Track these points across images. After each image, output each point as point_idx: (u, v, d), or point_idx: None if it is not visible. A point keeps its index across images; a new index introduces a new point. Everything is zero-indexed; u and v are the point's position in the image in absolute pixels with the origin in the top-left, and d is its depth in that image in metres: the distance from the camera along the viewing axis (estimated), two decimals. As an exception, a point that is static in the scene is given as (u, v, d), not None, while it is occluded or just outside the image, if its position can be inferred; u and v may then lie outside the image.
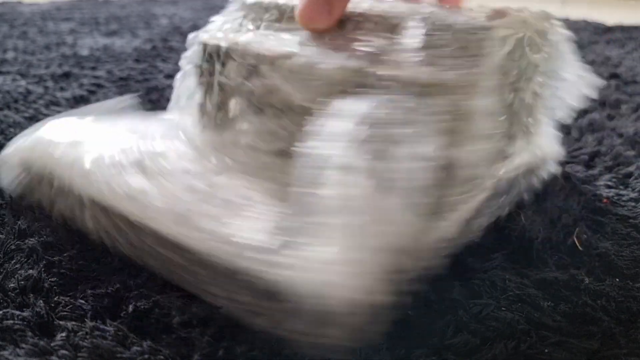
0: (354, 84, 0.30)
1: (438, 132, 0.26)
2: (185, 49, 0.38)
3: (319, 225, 0.24)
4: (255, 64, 0.33)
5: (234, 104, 0.35)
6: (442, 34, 0.30)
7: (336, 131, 0.26)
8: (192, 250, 0.25)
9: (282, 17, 0.36)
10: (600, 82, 0.39)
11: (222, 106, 0.36)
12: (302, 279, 0.23)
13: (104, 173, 0.31)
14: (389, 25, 0.32)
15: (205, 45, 0.36)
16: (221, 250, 0.25)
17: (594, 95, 0.39)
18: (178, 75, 0.41)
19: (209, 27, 0.38)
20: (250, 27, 0.36)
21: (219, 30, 0.37)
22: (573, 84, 0.39)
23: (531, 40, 0.32)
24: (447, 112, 0.26)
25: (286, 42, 0.34)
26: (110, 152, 0.33)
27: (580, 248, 0.31)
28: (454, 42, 0.29)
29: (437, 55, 0.29)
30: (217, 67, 0.36)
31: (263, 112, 0.34)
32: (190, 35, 0.38)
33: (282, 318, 0.23)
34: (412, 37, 0.31)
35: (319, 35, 0.34)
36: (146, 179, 0.30)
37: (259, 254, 0.24)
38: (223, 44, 0.35)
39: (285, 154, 0.32)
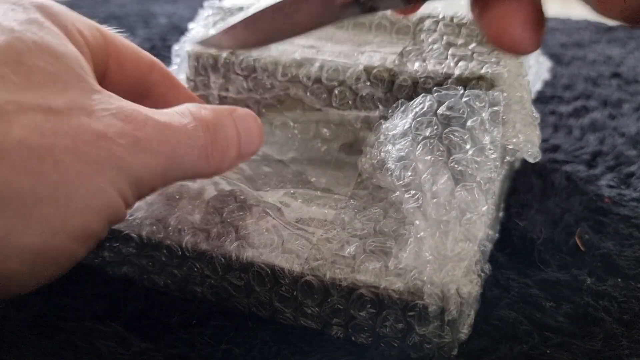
0: (384, 85, 0.30)
1: (496, 123, 0.26)
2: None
3: (406, 227, 0.24)
4: (263, 75, 0.33)
5: None
6: (460, 31, 0.31)
7: (405, 130, 0.27)
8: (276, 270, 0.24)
9: None
10: (552, 64, 0.44)
11: None
12: (394, 282, 0.23)
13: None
14: (401, 26, 0.32)
15: (197, 57, 0.34)
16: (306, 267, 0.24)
17: (549, 77, 0.45)
18: None
19: (191, 34, 0.36)
20: None
21: (205, 37, 0.36)
22: (536, 71, 0.42)
23: None
24: (501, 103, 0.27)
25: (291, 46, 0.33)
26: None
27: (582, 248, 0.30)
28: (473, 37, 0.30)
29: (462, 50, 0.30)
30: (214, 79, 0.34)
31: (271, 123, 0.34)
32: (175, 47, 0.38)
33: (369, 325, 0.23)
34: (431, 35, 0.31)
35: (322, 38, 0.34)
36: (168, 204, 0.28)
37: (346, 263, 0.24)
38: (223, 54, 0.33)
39: (297, 161, 0.32)
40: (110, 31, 0.26)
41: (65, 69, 0.21)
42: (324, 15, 0.24)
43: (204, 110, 0.24)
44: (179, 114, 0.23)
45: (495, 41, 0.19)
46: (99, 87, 0.22)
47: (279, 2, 0.24)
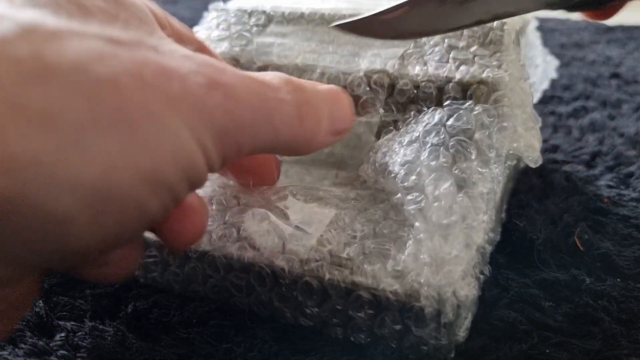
0: (384, 90, 0.30)
1: (504, 137, 0.26)
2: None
3: (406, 229, 0.24)
4: None
5: None
6: (462, 33, 0.31)
7: (413, 139, 0.27)
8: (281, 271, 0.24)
9: (270, 21, 0.35)
10: (559, 62, 0.45)
11: None
12: (391, 284, 0.23)
13: None
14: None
15: None
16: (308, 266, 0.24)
17: (556, 76, 0.46)
18: None
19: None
20: (244, 33, 0.35)
21: (208, 39, 0.35)
22: (542, 70, 0.42)
23: (521, 31, 0.33)
24: (506, 112, 0.27)
25: (292, 51, 0.33)
26: None
27: (581, 248, 0.31)
28: (475, 40, 0.30)
29: (463, 54, 0.30)
30: None
31: None
32: None
33: (366, 325, 0.24)
34: (432, 38, 0.31)
35: (324, 41, 0.33)
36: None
37: (345, 265, 0.24)
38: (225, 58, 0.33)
39: (300, 162, 0.32)
40: None
41: (127, 14, 0.18)
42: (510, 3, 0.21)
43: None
44: (262, 73, 0.20)
45: None
46: (165, 35, 0.19)
47: None
